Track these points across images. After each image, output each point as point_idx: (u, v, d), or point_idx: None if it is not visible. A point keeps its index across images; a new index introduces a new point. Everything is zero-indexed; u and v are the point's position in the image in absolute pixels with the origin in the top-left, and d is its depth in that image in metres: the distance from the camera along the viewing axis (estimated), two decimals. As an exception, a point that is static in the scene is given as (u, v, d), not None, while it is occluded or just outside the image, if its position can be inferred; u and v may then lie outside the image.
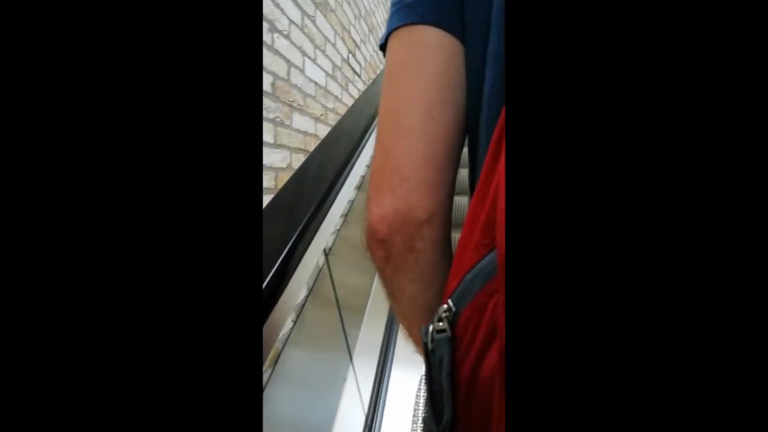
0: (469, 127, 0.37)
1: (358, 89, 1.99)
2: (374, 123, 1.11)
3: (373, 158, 0.37)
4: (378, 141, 0.36)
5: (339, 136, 0.98)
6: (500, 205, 0.23)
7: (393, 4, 0.37)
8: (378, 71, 2.31)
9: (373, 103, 1.22)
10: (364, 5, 2.07)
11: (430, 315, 0.38)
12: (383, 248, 0.36)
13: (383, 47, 0.39)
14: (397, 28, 0.36)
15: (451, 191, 0.37)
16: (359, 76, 2.02)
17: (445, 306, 0.29)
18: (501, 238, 0.22)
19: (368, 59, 2.19)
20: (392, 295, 0.40)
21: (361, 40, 2.06)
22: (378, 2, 2.30)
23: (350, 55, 1.90)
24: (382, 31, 2.34)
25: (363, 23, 2.07)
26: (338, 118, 1.35)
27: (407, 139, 0.34)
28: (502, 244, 0.22)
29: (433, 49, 0.35)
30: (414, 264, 0.36)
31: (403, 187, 0.34)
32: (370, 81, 2.17)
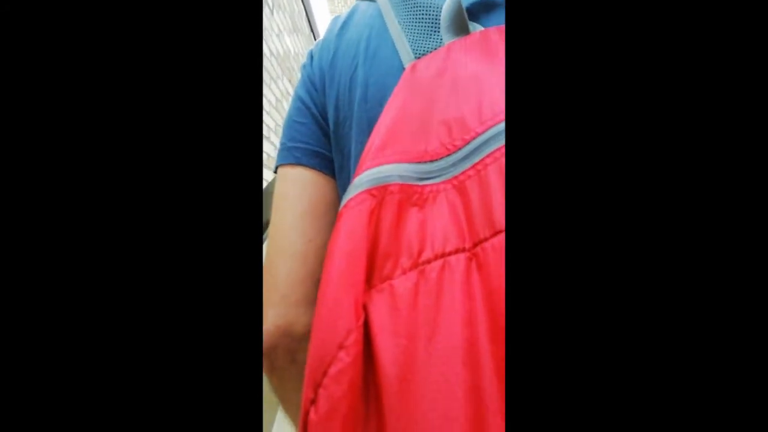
0: None
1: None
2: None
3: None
4: (264, 260, 0.40)
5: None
6: None
7: (281, 143, 0.45)
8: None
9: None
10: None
11: None
12: (267, 359, 0.39)
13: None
14: (282, 165, 0.44)
15: None
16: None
17: None
18: None
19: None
20: (281, 401, 0.44)
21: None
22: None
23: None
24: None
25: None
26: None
27: (287, 260, 0.40)
28: None
29: (309, 185, 0.43)
30: (297, 375, 0.39)
31: (282, 305, 0.39)
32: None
